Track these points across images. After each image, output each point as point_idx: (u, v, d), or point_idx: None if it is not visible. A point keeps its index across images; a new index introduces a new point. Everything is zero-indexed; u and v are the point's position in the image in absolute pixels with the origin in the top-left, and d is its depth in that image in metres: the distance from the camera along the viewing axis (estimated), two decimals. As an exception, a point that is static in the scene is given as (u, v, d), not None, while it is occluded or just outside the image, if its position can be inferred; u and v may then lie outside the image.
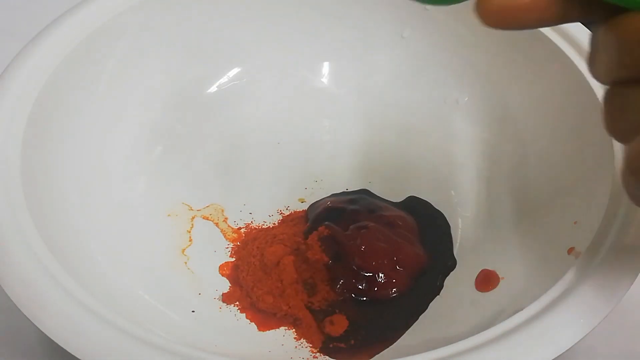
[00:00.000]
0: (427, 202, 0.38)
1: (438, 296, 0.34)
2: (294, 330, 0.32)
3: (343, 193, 0.39)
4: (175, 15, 0.39)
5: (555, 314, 0.25)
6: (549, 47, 0.36)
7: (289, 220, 0.37)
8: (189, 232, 0.37)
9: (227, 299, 0.34)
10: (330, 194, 0.39)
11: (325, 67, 0.44)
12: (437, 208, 0.38)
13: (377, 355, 0.31)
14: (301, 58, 0.44)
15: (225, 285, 0.34)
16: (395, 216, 0.36)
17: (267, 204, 0.38)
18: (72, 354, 0.24)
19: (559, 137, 0.36)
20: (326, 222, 0.35)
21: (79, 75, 0.35)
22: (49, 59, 0.34)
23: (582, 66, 0.34)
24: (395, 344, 0.31)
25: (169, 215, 0.37)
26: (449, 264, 0.35)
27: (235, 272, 0.35)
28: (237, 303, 0.33)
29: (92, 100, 0.36)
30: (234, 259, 0.36)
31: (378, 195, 0.39)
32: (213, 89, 0.42)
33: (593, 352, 0.32)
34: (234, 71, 0.43)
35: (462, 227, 0.37)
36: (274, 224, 0.37)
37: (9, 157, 0.30)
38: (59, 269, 0.26)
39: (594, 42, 0.19)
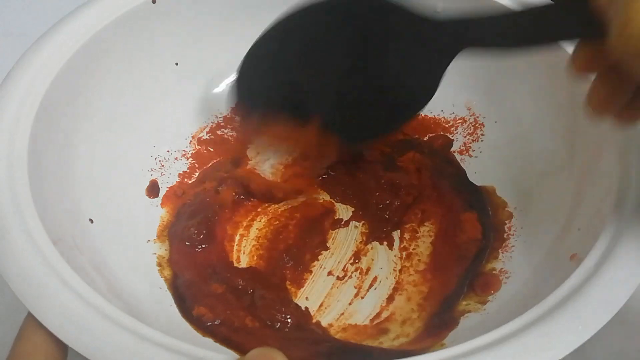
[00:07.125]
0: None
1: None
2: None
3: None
4: (181, 16, 0.39)
5: (557, 318, 0.25)
6: (549, 47, 0.36)
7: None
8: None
9: None
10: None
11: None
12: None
13: (376, 355, 0.31)
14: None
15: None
16: None
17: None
18: (74, 349, 0.24)
19: (560, 137, 0.36)
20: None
21: (83, 76, 0.35)
22: (54, 59, 0.34)
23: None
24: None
25: (173, 213, 0.37)
26: None
27: None
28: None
29: (97, 100, 0.36)
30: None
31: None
32: (221, 87, 0.43)
33: (592, 352, 0.32)
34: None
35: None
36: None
37: (17, 155, 0.30)
38: (63, 264, 0.26)
39: None
